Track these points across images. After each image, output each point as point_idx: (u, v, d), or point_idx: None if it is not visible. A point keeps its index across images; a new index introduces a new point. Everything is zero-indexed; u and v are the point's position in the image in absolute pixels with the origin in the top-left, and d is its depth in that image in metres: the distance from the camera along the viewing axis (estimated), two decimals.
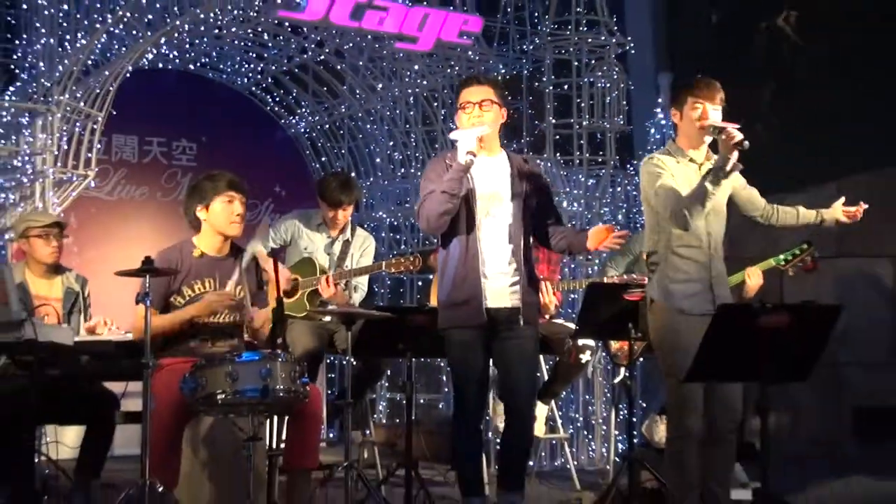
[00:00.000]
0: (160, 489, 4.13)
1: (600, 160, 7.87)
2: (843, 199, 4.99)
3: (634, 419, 6.10)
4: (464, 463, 4.85)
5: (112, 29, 6.67)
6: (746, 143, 4.46)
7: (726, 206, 4.86)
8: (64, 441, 5.13)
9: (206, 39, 8.10)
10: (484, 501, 4.84)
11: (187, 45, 8.19)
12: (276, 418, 4.43)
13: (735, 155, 4.51)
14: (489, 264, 4.70)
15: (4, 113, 6.48)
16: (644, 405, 7.19)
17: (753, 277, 5.85)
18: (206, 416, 4.53)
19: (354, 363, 5.97)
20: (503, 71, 8.14)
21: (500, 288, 4.71)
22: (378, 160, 8.91)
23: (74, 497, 5.05)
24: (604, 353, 6.92)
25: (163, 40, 7.12)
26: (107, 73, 6.59)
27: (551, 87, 7.90)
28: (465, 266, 4.67)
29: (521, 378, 4.77)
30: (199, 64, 8.71)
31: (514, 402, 4.77)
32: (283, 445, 4.70)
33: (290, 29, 7.91)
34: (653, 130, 8.75)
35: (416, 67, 8.17)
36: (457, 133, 4.69)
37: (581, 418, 7.69)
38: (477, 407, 4.82)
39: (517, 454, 4.84)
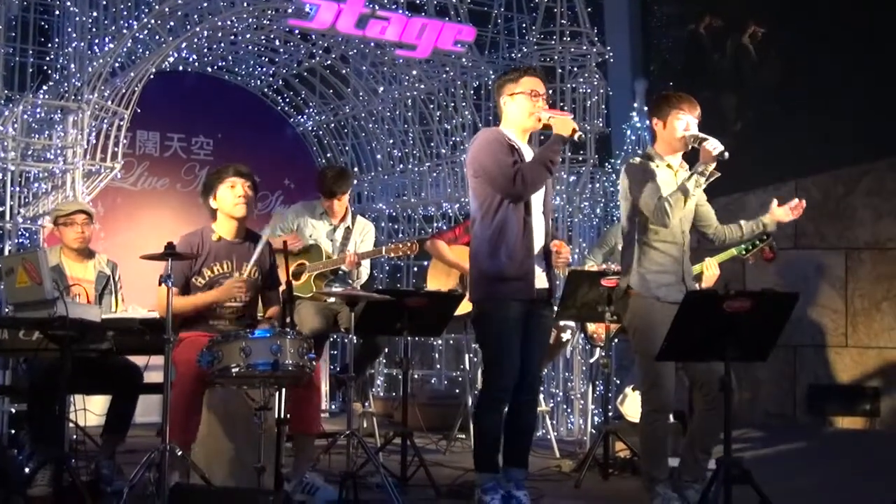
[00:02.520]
0: (179, 453, 4.14)
1: (581, 159, 7.87)
2: (776, 201, 4.95)
3: (610, 395, 6.14)
4: (487, 442, 4.57)
5: (137, 34, 6.65)
6: (727, 153, 4.51)
7: None
8: (91, 409, 5.12)
9: (222, 44, 8.10)
10: (497, 478, 4.57)
11: (206, 50, 8.18)
12: (284, 389, 4.44)
13: (714, 164, 4.55)
14: (536, 245, 4.60)
15: (39, 110, 6.46)
16: (618, 382, 7.21)
17: (710, 268, 5.86)
18: (221, 387, 4.54)
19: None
20: (493, 76, 8.14)
21: (539, 269, 4.61)
22: (379, 157, 8.91)
23: (100, 459, 5.07)
24: (581, 334, 6.93)
25: (183, 45, 7.11)
26: (132, 74, 6.58)
27: None
28: (523, 243, 4.51)
29: (538, 358, 4.67)
30: (216, 67, 8.70)
31: (527, 381, 4.62)
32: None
33: (299, 36, 7.91)
34: (629, 132, 8.76)
35: (415, 72, 8.17)
36: (551, 112, 4.61)
37: (561, 393, 7.71)
38: (510, 384, 4.55)
39: (526, 431, 4.70)
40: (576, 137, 4.49)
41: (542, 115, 4.61)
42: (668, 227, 4.67)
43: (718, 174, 4.61)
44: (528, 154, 4.63)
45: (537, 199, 4.62)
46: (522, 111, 4.63)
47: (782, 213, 4.90)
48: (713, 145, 4.53)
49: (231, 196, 4.82)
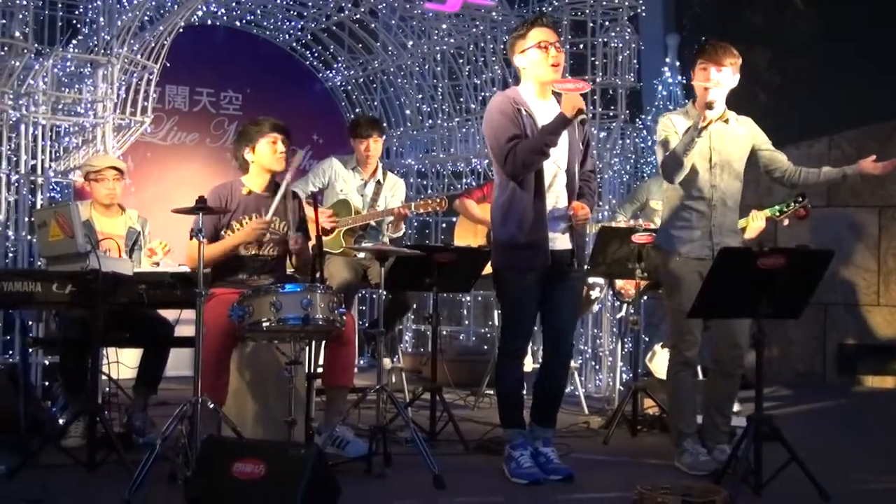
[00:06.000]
0: (211, 405, 4.17)
1: (611, 114, 7.78)
2: (873, 157, 4.69)
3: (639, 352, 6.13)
4: (508, 398, 4.59)
5: None
6: (713, 103, 4.51)
7: (749, 163, 4.80)
8: (123, 361, 5.17)
9: None
10: (524, 433, 4.57)
11: (234, 4, 8.16)
12: (314, 344, 4.46)
13: (711, 112, 4.49)
14: (552, 208, 4.46)
15: (68, 64, 6.47)
16: (647, 339, 7.20)
17: (756, 220, 5.78)
18: (251, 341, 4.57)
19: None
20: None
21: (560, 231, 4.48)
22: (407, 112, 8.87)
23: (133, 412, 5.13)
24: (610, 291, 6.91)
25: None
26: (161, 28, 6.56)
27: (568, 46, 7.79)
28: (532, 210, 4.40)
29: (568, 321, 4.60)
30: (244, 21, 8.68)
31: (558, 343, 4.59)
32: (320, 369, 4.75)
33: None
34: (660, 88, 8.69)
35: (444, 27, 8.11)
36: (564, 86, 4.29)
37: (589, 350, 7.70)
38: (525, 346, 4.64)
39: (555, 393, 4.65)
40: (577, 120, 4.27)
41: (554, 87, 4.41)
42: (673, 183, 4.64)
43: (712, 121, 4.51)
44: (547, 112, 4.45)
45: (560, 160, 4.48)
46: (536, 65, 4.46)
47: (871, 165, 4.67)
48: (703, 94, 4.54)
49: (272, 151, 4.86)
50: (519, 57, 4.53)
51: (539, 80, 4.51)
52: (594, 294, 6.78)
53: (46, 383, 5.93)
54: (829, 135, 8.56)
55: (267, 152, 4.85)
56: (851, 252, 8.54)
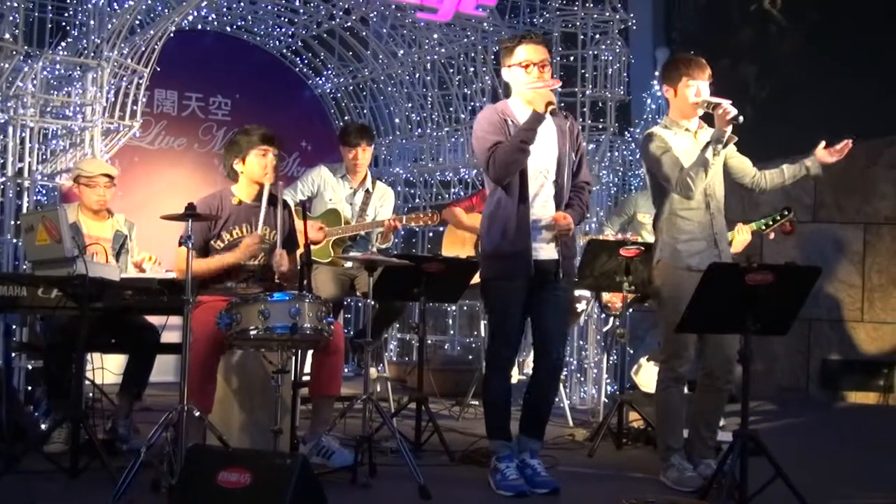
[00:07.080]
0: (196, 413, 4.15)
1: (601, 127, 7.81)
2: (823, 143, 4.82)
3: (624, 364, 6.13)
4: (495, 409, 4.58)
5: None
6: (741, 117, 4.47)
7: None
8: (108, 367, 5.13)
9: (241, 4, 8.06)
10: (510, 445, 4.57)
11: (225, 9, 8.14)
12: (300, 353, 4.44)
13: (730, 128, 4.51)
14: (538, 218, 4.47)
15: (58, 66, 6.44)
16: (632, 352, 7.20)
17: (742, 233, 5.79)
18: (239, 349, 4.55)
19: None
20: None
21: (545, 241, 4.49)
22: (397, 120, 8.87)
23: (117, 418, 5.09)
24: (596, 303, 6.92)
25: (203, 3, 7.06)
26: (151, 32, 6.54)
27: (558, 58, 7.82)
28: (516, 219, 4.42)
29: (555, 331, 4.58)
30: (235, 26, 8.66)
31: (546, 355, 4.59)
32: (306, 378, 4.73)
33: None
34: (649, 101, 8.71)
35: (435, 36, 8.11)
36: (535, 85, 4.39)
37: (575, 362, 7.70)
38: (512, 355, 4.63)
39: (544, 404, 4.65)
40: (548, 112, 4.32)
41: (527, 89, 4.45)
42: (692, 199, 4.65)
43: (735, 138, 4.58)
44: (544, 127, 4.45)
45: (547, 170, 4.50)
46: (519, 83, 4.51)
47: (825, 154, 4.77)
48: (727, 110, 4.49)
49: (262, 165, 4.83)
50: (506, 70, 4.59)
51: (523, 97, 4.52)
52: (580, 307, 6.79)
53: (29, 388, 5.88)
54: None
55: (256, 165, 4.82)
56: (836, 268, 8.57)
